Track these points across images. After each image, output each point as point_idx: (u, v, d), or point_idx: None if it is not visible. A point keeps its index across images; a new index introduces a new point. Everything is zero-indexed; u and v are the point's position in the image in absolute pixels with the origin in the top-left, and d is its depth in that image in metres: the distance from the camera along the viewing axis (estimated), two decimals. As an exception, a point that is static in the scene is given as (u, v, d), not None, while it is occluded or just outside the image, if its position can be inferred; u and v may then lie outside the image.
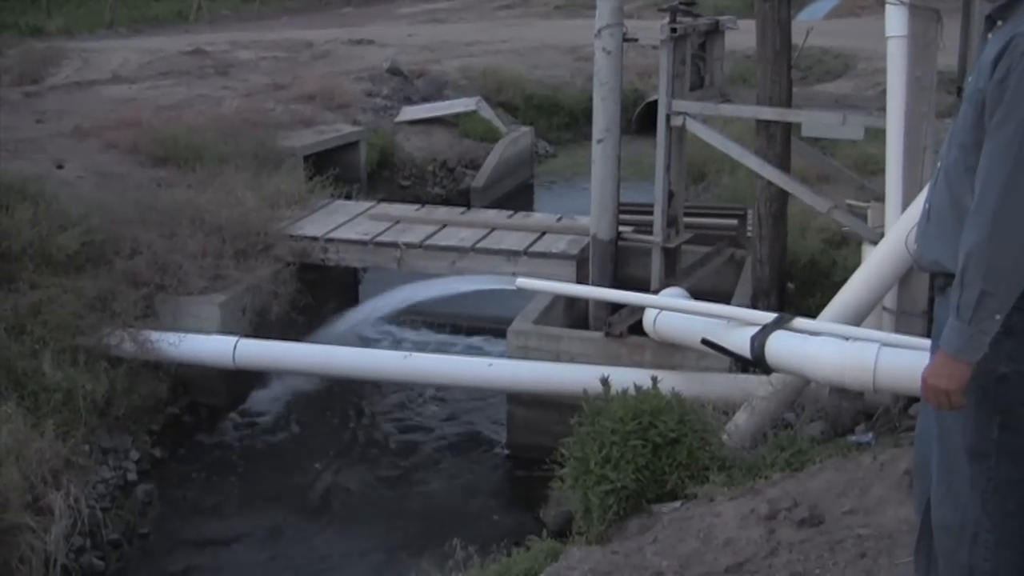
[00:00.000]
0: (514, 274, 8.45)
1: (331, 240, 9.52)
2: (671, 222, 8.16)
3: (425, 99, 15.45)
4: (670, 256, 8.28)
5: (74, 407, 7.19)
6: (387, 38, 19.51)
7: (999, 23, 2.68)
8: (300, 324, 9.16)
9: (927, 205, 2.88)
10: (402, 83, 15.80)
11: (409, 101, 15.34)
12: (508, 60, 17.78)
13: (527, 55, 18.21)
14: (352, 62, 16.93)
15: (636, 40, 8.14)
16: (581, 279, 8.65)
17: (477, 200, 13.11)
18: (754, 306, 7.73)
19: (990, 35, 2.71)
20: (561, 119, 16.27)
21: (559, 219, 9.86)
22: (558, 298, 8.23)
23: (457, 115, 14.78)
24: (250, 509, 7.43)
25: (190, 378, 8.37)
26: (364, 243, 9.47)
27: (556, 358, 7.62)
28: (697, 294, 7.59)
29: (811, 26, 15.53)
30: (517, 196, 14.18)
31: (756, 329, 6.08)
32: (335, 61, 17.22)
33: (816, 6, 35.21)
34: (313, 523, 7.25)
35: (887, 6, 6.34)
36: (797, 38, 9.17)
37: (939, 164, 2.86)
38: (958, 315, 2.60)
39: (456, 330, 9.98)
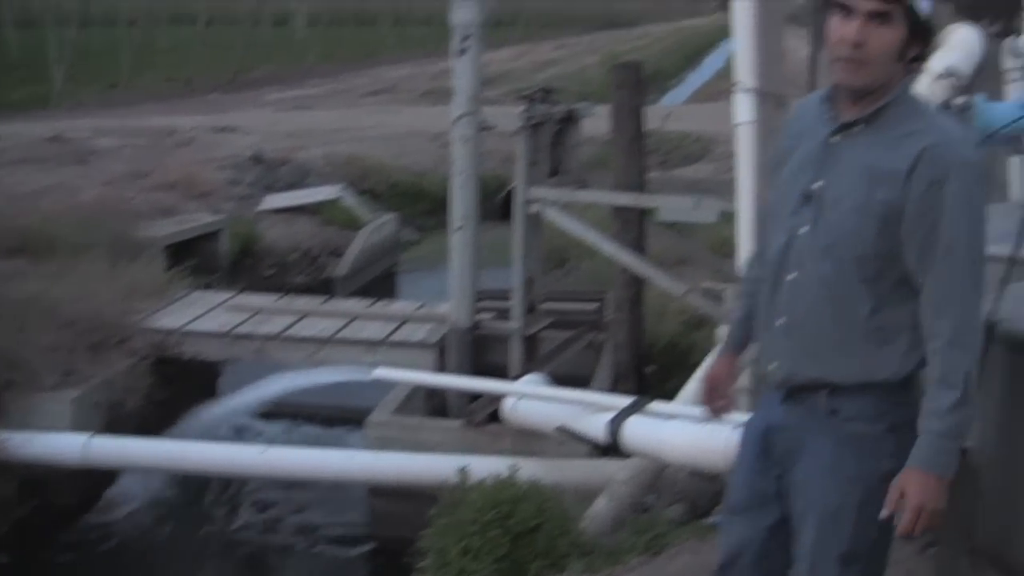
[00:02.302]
0: (375, 364, 8.38)
1: (188, 333, 9.33)
2: (530, 309, 8.19)
3: (289, 187, 15.34)
4: (529, 342, 8.30)
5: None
6: (252, 125, 19.38)
7: (858, 126, 2.69)
8: (157, 419, 8.91)
9: (782, 320, 2.81)
10: (265, 171, 15.68)
11: (272, 189, 15.22)
12: (373, 147, 17.78)
13: (392, 142, 18.25)
14: (215, 149, 16.77)
15: (493, 128, 8.20)
16: (442, 367, 8.60)
17: (341, 289, 13.01)
18: (613, 390, 7.77)
19: (838, 138, 2.71)
20: (425, 206, 16.27)
21: (420, 307, 9.82)
22: (418, 387, 8.18)
23: (320, 203, 14.72)
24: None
25: (40, 478, 8.06)
26: (222, 335, 9.30)
27: (416, 449, 7.55)
28: (558, 379, 7.60)
29: (670, 111, 15.86)
30: (382, 284, 14.09)
31: (612, 414, 6.10)
32: (198, 148, 17.02)
33: (678, 91, 36.20)
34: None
35: (735, 93, 6.48)
36: (657, 123, 9.38)
37: (789, 277, 2.78)
38: (948, 435, 2.60)
39: (318, 422, 9.82)
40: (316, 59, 35.75)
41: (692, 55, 52.08)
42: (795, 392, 2.82)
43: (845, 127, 2.70)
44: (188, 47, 31.76)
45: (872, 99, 2.66)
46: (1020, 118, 3.58)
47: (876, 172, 2.62)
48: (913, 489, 2.59)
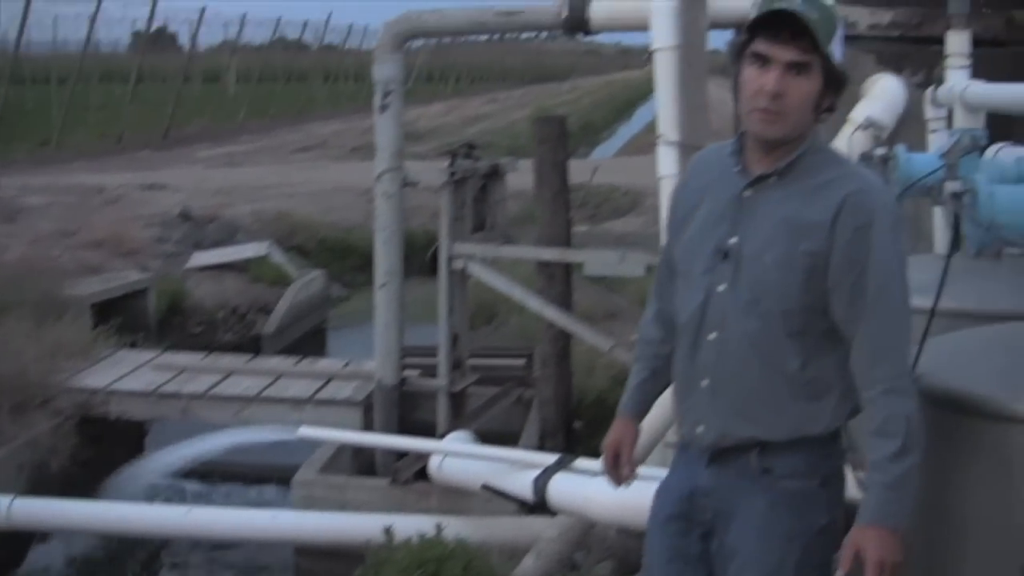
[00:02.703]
0: (301, 422, 8.32)
1: (113, 392, 9.22)
2: (456, 365, 8.17)
3: (216, 244, 15.24)
4: (456, 399, 8.27)
5: None
6: (181, 182, 19.29)
7: (772, 179, 2.66)
8: (83, 480, 8.76)
9: (706, 382, 2.74)
10: (193, 228, 15.59)
11: (201, 247, 15.11)
12: (302, 203, 17.74)
13: (321, 198, 18.21)
14: (144, 207, 16.66)
15: (417, 184, 8.20)
16: (368, 425, 8.55)
17: (269, 346, 12.90)
18: (542, 447, 7.75)
19: (751, 191, 2.67)
20: (355, 261, 16.17)
21: (346, 364, 9.78)
22: (345, 445, 8.12)
23: (248, 260, 14.62)
24: None
25: (-42, 543, 7.93)
26: (147, 394, 9.20)
27: (343, 508, 7.49)
28: (487, 436, 7.58)
29: (598, 164, 15.98)
30: (311, 340, 14.00)
31: (538, 471, 6.08)
32: (127, 206, 16.90)
33: (608, 143, 36.51)
34: None
35: (658, 146, 6.53)
36: (585, 176, 9.42)
37: (710, 337, 2.71)
38: (894, 486, 2.56)
39: (245, 480, 9.70)
40: (248, 115, 35.65)
41: (623, 108, 52.62)
42: (723, 454, 2.75)
43: (760, 180, 2.66)
44: (120, 104, 31.49)
45: (786, 150, 2.62)
46: (938, 169, 3.64)
47: (797, 224, 2.59)
48: (871, 545, 2.55)
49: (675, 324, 2.84)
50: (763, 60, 2.54)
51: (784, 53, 2.52)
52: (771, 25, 2.52)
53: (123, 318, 11.11)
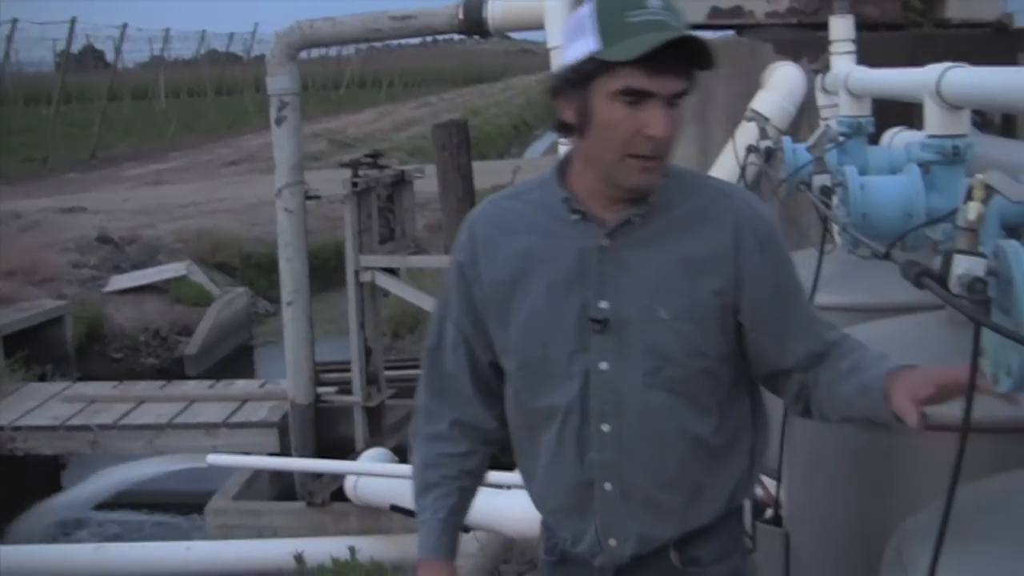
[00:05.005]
0: (215, 447, 8.13)
1: (19, 428, 8.95)
2: (371, 380, 7.97)
3: (136, 266, 14.91)
4: (373, 414, 8.07)
5: None
6: (102, 204, 18.93)
7: (635, 222, 2.15)
8: (-2, 521, 8.54)
9: (610, 485, 2.22)
10: (112, 251, 15.25)
11: (120, 269, 14.79)
12: (225, 220, 17.46)
13: (245, 213, 17.92)
14: (62, 232, 16.30)
15: (319, 198, 7.98)
16: (285, 446, 8.34)
17: (192, 367, 12.64)
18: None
19: (607, 242, 2.14)
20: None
21: (262, 385, 9.57)
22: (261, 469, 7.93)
23: (168, 281, 14.33)
24: None
25: None
26: (55, 428, 8.93)
27: (260, 534, 7.29)
28: (406, 451, 7.38)
29: (519, 165, 15.81)
30: (236, 359, 13.74)
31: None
32: (44, 232, 16.54)
33: (540, 143, 36.46)
34: None
35: (560, 146, 6.40)
36: (508, 177, 9.22)
37: (604, 428, 2.19)
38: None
39: (162, 510, 9.44)
40: (177, 131, 35.23)
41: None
42: (636, 562, 2.28)
43: (622, 226, 2.16)
44: (43, 127, 30.98)
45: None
46: (810, 162, 3.48)
47: (693, 262, 2.14)
48: (916, 370, 2.05)
49: (481, 430, 2.40)
50: (639, 96, 2.00)
51: (669, 85, 2.01)
52: (656, 54, 1.97)
53: (38, 348, 10.81)
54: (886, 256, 2.06)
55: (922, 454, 2.42)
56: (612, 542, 2.25)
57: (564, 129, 2.15)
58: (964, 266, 1.71)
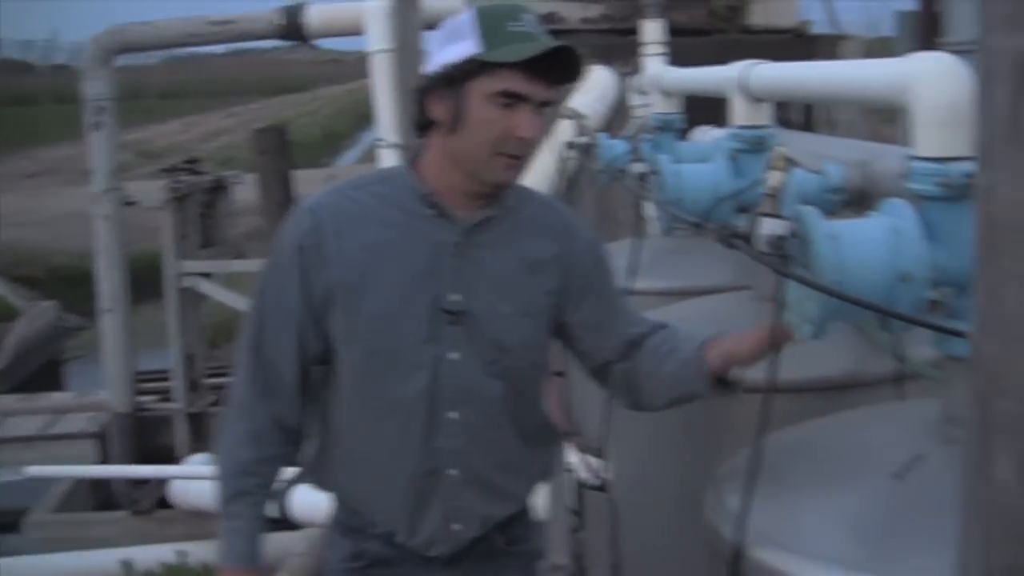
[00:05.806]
0: (34, 460, 7.94)
1: None
2: (193, 386, 7.95)
3: (-67, 285, 14.45)
4: (196, 421, 8.05)
5: None
6: None
7: (491, 222, 2.27)
8: None
9: (455, 471, 2.29)
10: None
11: (-85, 290, 14.30)
12: (31, 232, 17.03)
13: (52, 225, 17.50)
14: None
15: (136, 204, 7.93)
16: (106, 456, 8.23)
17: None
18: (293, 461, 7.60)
19: (460, 238, 2.23)
20: (91, 289, 15.64)
21: (78, 396, 9.39)
22: (83, 480, 7.80)
23: (-34, 297, 13.92)
24: None
25: None
26: None
27: (86, 545, 7.16)
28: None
29: (332, 173, 15.87)
30: (45, 375, 13.37)
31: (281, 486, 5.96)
32: None
33: (352, 151, 36.34)
34: None
35: (379, 150, 6.52)
36: (319, 185, 9.20)
37: (451, 416, 2.26)
38: None
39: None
40: (-29, 143, 34.01)
41: (366, 115, 52.21)
42: (472, 545, 2.35)
43: (475, 227, 2.27)
44: None
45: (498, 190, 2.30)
46: (626, 152, 3.71)
47: (533, 264, 2.30)
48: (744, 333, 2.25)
49: (293, 428, 2.38)
50: (514, 98, 2.13)
51: (541, 92, 2.16)
52: (532, 61, 2.12)
53: None
54: (700, 226, 2.27)
55: (734, 414, 2.66)
56: (456, 526, 2.31)
57: (425, 127, 2.25)
58: (769, 227, 1.94)
